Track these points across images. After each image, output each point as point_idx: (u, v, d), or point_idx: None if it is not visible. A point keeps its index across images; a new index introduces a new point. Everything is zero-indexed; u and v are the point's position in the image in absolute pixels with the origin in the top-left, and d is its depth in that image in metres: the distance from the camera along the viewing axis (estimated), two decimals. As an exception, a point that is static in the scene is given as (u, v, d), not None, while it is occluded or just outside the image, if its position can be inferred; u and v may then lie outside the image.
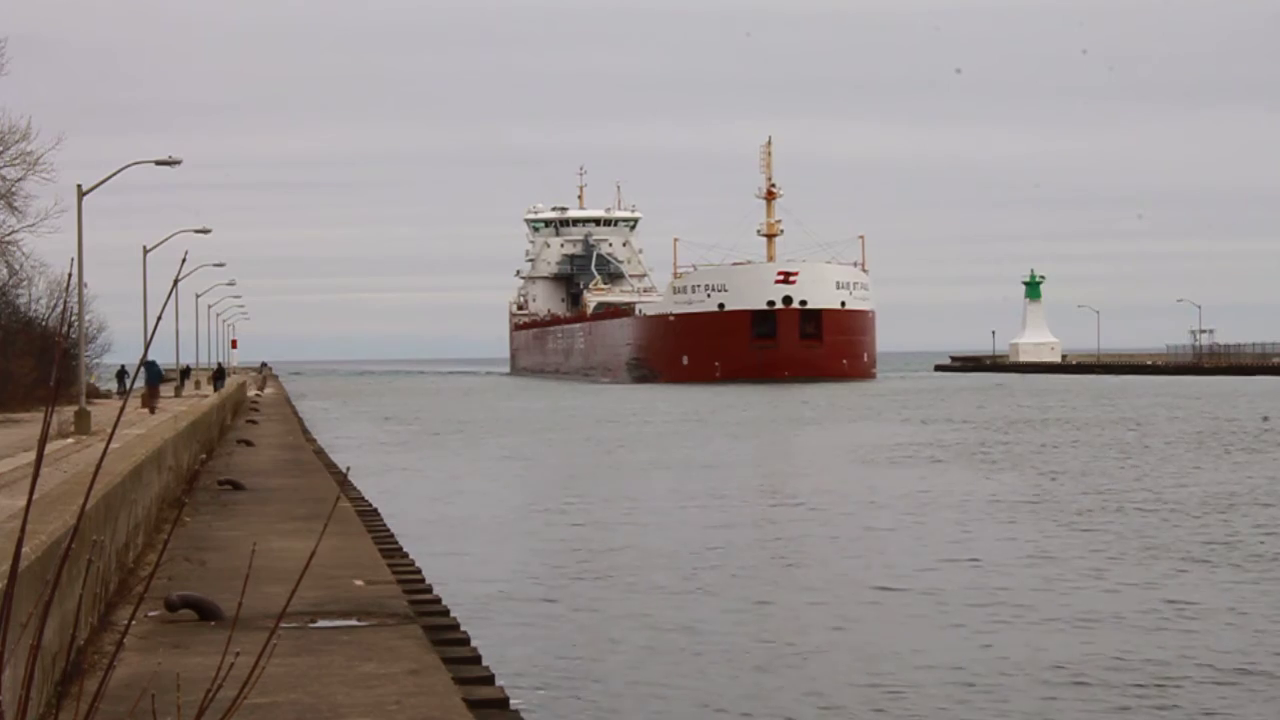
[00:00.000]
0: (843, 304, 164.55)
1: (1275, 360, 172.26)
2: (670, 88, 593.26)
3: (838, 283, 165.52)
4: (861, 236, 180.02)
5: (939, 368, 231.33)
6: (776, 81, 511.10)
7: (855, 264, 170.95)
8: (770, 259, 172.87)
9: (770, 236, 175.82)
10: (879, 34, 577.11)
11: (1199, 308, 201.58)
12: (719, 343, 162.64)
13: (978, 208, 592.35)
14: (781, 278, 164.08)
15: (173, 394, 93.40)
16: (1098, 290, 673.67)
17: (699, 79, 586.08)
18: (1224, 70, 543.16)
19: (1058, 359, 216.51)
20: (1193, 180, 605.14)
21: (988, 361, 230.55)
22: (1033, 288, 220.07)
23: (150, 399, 66.99)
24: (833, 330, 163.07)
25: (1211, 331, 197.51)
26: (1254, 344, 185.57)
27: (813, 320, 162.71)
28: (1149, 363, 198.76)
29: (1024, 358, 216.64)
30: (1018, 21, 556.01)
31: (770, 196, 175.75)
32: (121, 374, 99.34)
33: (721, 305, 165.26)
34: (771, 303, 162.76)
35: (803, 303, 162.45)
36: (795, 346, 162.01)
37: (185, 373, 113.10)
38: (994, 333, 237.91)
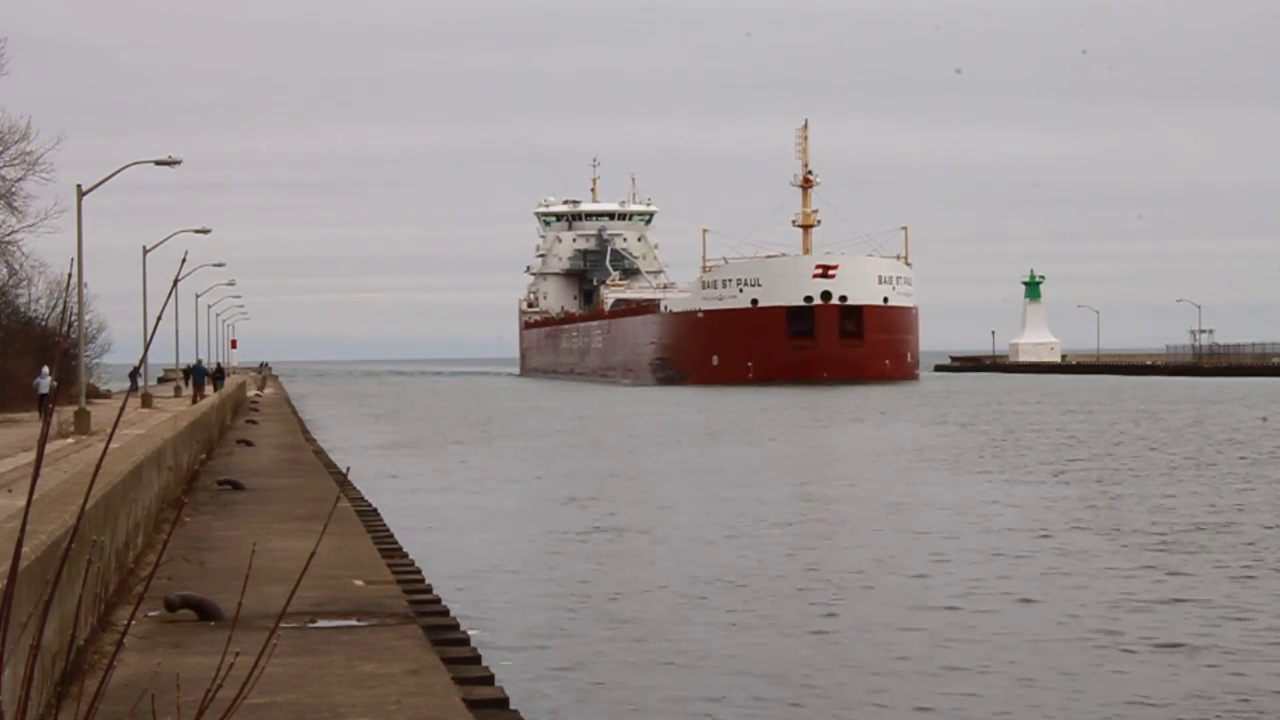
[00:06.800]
0: (885, 300, 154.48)
1: (1275, 360, 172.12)
2: (677, 87, 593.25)
3: (880, 277, 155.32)
4: (905, 228, 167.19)
5: (939, 368, 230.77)
6: (776, 81, 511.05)
7: (898, 257, 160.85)
8: (806, 251, 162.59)
9: (806, 228, 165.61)
10: (878, 34, 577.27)
11: (1199, 308, 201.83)
12: (752, 341, 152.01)
13: (977, 207, 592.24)
14: (820, 271, 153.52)
15: (172, 393, 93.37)
16: (1098, 290, 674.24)
17: (705, 78, 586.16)
18: (1224, 70, 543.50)
19: (1057, 359, 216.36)
20: (1193, 180, 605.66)
21: (988, 361, 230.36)
22: (1033, 288, 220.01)
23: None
24: (875, 328, 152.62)
25: (1211, 331, 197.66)
26: (1254, 344, 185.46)
27: (853, 317, 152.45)
28: (1149, 363, 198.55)
29: (1024, 358, 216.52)
30: (1018, 21, 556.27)
31: (807, 184, 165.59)
32: (189, 371, 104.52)
33: (755, 301, 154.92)
34: (809, 298, 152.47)
35: (843, 298, 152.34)
36: (835, 345, 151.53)
37: (188, 372, 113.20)
38: (994, 333, 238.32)
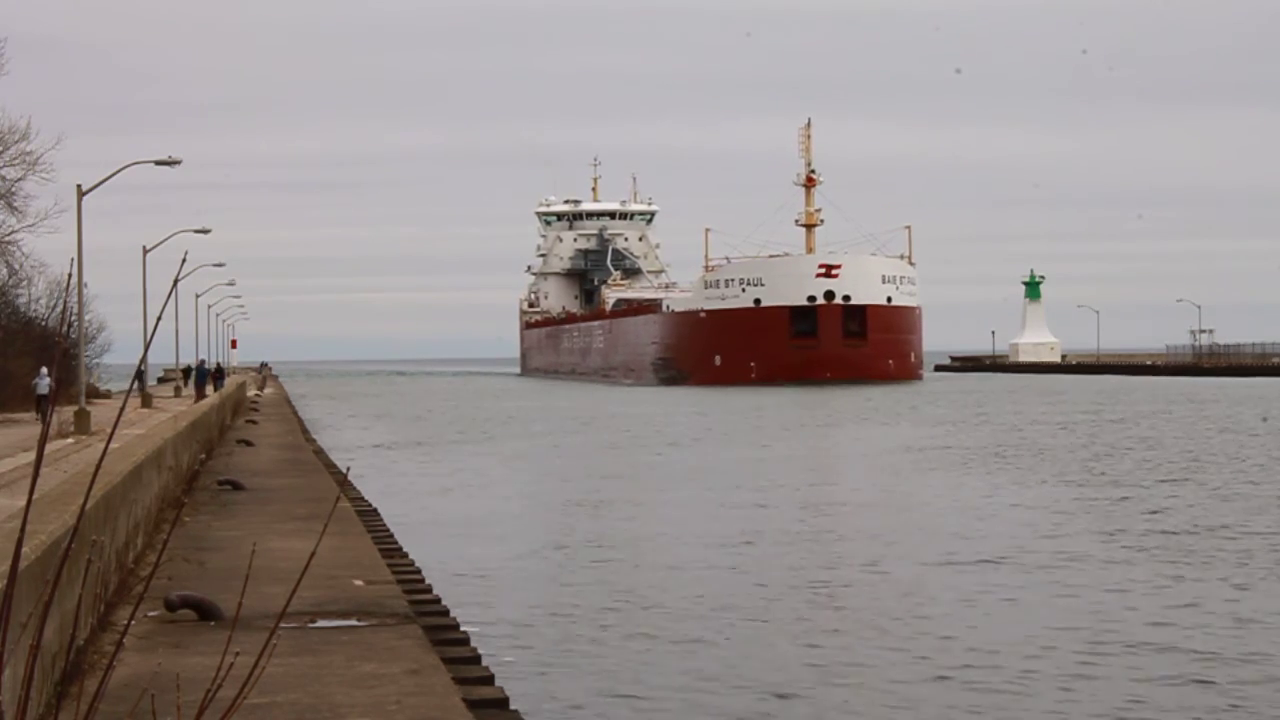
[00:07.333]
0: (889, 299, 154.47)
1: (1275, 360, 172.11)
2: (677, 87, 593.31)
3: (883, 276, 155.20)
4: (908, 227, 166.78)
5: (939, 368, 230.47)
6: (776, 81, 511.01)
7: (901, 257, 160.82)
8: (809, 251, 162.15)
9: (810, 227, 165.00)
10: (878, 34, 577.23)
11: (1199, 308, 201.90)
12: (755, 341, 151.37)
13: (977, 208, 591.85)
14: (823, 271, 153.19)
15: (172, 393, 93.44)
16: (1098, 290, 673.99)
17: (705, 78, 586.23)
18: (1224, 70, 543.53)
19: (1057, 359, 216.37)
20: (1193, 180, 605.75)
21: (987, 361, 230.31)
22: (1032, 288, 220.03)
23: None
24: (878, 328, 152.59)
25: (1211, 331, 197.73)
26: (1254, 344, 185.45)
27: (857, 317, 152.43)
28: (1149, 363, 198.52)
29: (1024, 358, 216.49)
30: (1018, 21, 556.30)
31: (810, 183, 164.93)
32: (188, 371, 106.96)
33: (758, 301, 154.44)
34: (812, 298, 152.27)
35: (846, 298, 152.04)
36: (838, 345, 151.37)
37: (188, 372, 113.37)
38: (994, 333, 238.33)
